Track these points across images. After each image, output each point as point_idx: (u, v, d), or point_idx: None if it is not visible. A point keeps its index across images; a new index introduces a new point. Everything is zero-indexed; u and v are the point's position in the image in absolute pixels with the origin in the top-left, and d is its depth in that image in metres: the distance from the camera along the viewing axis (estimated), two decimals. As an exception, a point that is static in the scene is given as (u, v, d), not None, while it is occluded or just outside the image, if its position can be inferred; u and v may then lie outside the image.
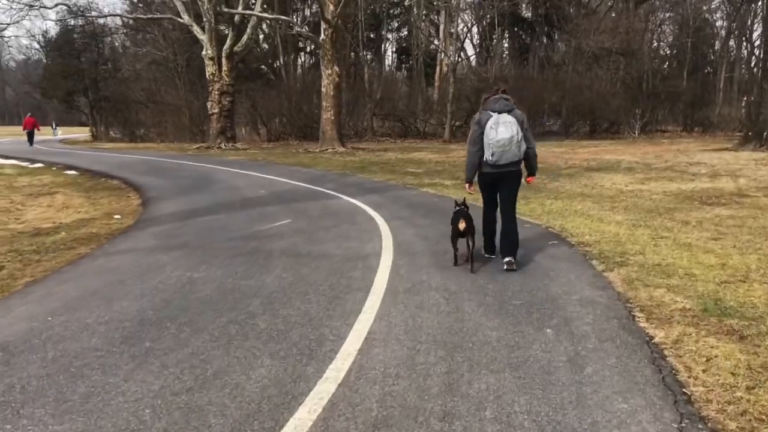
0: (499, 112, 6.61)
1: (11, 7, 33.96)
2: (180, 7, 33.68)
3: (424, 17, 51.44)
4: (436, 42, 50.43)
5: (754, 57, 52.91)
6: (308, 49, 50.59)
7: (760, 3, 46.82)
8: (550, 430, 3.34)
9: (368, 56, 52.24)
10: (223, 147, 32.58)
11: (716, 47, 53.00)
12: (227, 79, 33.49)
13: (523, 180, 7.01)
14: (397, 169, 19.06)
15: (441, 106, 41.88)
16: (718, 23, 53.47)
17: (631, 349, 4.42)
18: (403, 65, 57.57)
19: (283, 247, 7.97)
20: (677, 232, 8.77)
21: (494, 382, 3.89)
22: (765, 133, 23.24)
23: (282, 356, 4.34)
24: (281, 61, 46.62)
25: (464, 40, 49.39)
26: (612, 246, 7.82)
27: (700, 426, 3.38)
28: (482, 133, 6.61)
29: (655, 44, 50.21)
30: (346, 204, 11.94)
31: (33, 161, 24.43)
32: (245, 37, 33.57)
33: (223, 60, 33.15)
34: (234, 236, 8.83)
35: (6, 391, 3.86)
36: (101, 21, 53.54)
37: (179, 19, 34.47)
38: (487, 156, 6.60)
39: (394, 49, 58.86)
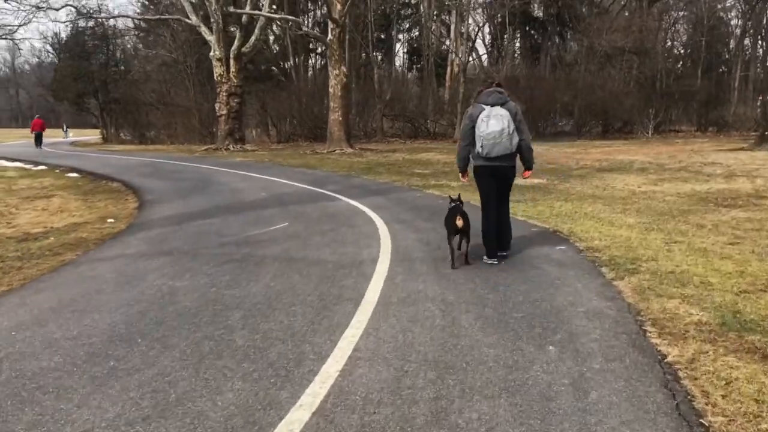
0: (492, 105, 6.61)
1: (18, 8, 33.68)
2: (188, 8, 33.41)
3: (435, 17, 51.04)
4: (447, 42, 49.99)
5: (769, 55, 52.11)
6: (319, 50, 50.20)
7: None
8: (547, 470, 2.92)
9: (379, 57, 51.89)
10: (231, 148, 32.29)
11: (731, 46, 52.25)
12: (235, 81, 33.20)
13: (520, 176, 7.03)
14: (404, 170, 18.65)
15: (451, 107, 41.46)
16: (733, 21, 52.68)
17: (641, 370, 3.99)
18: (414, 66, 57.17)
19: (275, 253, 7.57)
20: (692, 236, 8.31)
21: (487, 411, 3.47)
22: (782, 133, 22.67)
23: (255, 378, 3.94)
24: (291, 62, 46.29)
25: (475, 40, 48.91)
26: (623, 251, 7.37)
27: (719, 465, 2.96)
28: (473, 127, 6.62)
29: (669, 43, 49.60)
30: (346, 207, 11.53)
31: (37, 163, 24.19)
32: (253, 38, 33.26)
33: (231, 61, 32.86)
34: (226, 241, 8.45)
35: (-55, 419, 3.49)
36: (111, 23, 53.61)
37: (187, 20, 34.19)
38: (478, 148, 6.62)
39: (405, 50, 58.55)
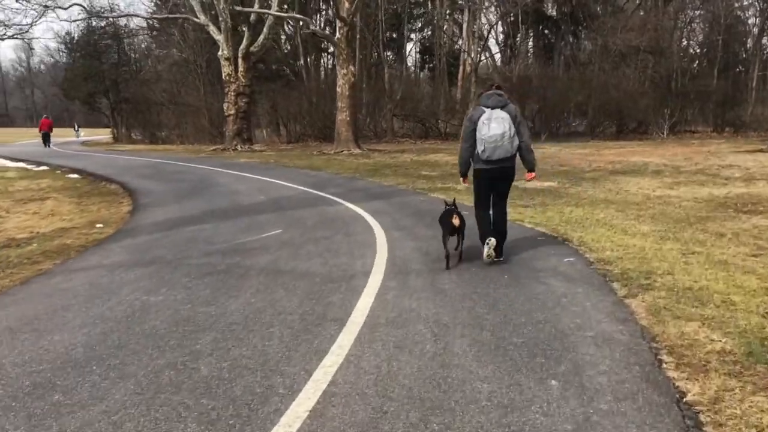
0: (492, 108, 6.62)
1: (26, 8, 33.40)
2: (196, 7, 33.02)
3: (447, 16, 50.47)
4: (459, 42, 49.42)
5: (788, 55, 51.09)
6: (330, 50, 49.71)
7: (794, -1, 45.21)
8: None
9: (390, 56, 51.38)
10: (239, 149, 31.91)
11: (748, 45, 51.22)
12: (243, 80, 32.81)
13: (523, 179, 7.14)
14: (411, 172, 18.12)
15: (463, 107, 40.85)
16: (750, 20, 51.63)
17: (656, 413, 3.46)
18: (427, 65, 56.60)
19: (262, 264, 7.08)
20: (711, 246, 7.75)
21: (474, 466, 2.96)
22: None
23: (212, 419, 3.44)
24: (302, 61, 45.84)
25: (487, 39, 48.30)
26: (636, 264, 6.82)
27: None
28: (474, 129, 6.62)
29: (685, 42, 48.72)
30: (346, 212, 11.03)
31: (40, 164, 23.85)
32: (261, 37, 32.83)
33: (240, 60, 32.48)
34: (214, 250, 7.96)
35: None
36: (122, 22, 53.39)
37: (195, 19, 33.80)
38: (479, 151, 6.61)
39: (417, 49, 58.02)
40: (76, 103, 64.70)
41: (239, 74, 32.58)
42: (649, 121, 39.52)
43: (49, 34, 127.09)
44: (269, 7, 31.78)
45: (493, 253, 6.81)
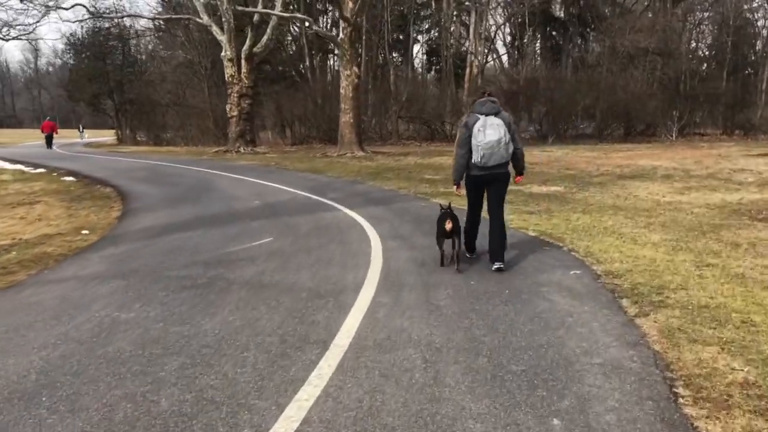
0: (486, 115, 6.63)
1: (28, 8, 33.08)
2: (199, 7, 32.65)
3: (454, 17, 50.00)
4: (466, 44, 48.94)
5: (798, 57, 50.41)
6: (336, 51, 49.28)
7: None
8: None
9: (397, 58, 50.94)
10: (242, 150, 31.52)
11: (758, 47, 50.59)
12: (246, 81, 32.40)
13: (512, 180, 7.06)
14: (413, 176, 17.66)
15: (469, 109, 40.31)
16: (760, 22, 50.99)
17: (674, 462, 3.01)
18: (433, 67, 56.13)
19: (247, 277, 6.64)
20: (726, 257, 7.27)
21: None
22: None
23: (162, 467, 3.00)
24: (308, 63, 45.44)
25: (494, 40, 47.89)
26: (647, 277, 6.36)
27: None
28: (470, 136, 6.64)
29: (694, 44, 48.14)
30: (343, 218, 10.58)
31: (38, 166, 23.48)
32: (265, 37, 32.41)
33: (243, 61, 32.07)
34: (198, 260, 7.52)
35: None
36: (127, 23, 53.08)
37: (198, 20, 33.42)
38: (476, 158, 6.64)
39: (424, 51, 57.53)
40: (81, 105, 64.33)
41: (242, 75, 32.18)
42: (658, 124, 38.98)
43: (56, 36, 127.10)
44: (273, 7, 31.40)
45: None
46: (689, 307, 5.36)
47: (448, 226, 6.68)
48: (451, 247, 6.83)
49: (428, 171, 19.23)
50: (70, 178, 18.74)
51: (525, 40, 49.18)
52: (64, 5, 34.22)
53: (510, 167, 6.90)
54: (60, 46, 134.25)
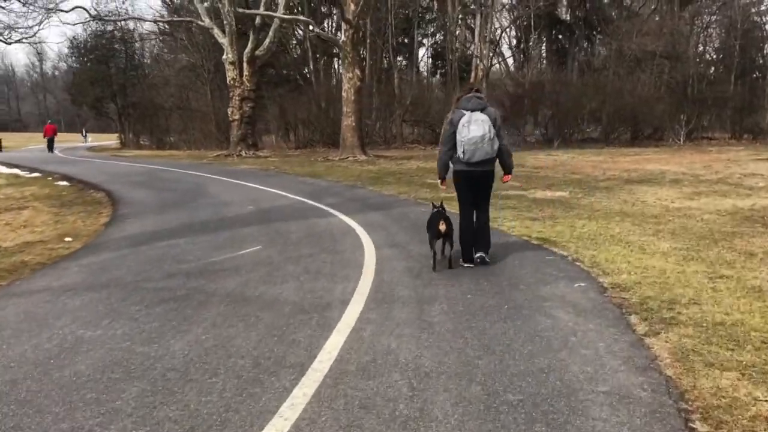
0: (472, 111, 6.62)
1: (28, 11, 32.81)
2: (201, 10, 32.33)
3: (459, 21, 49.62)
4: (471, 47, 48.53)
5: (807, 60, 49.84)
6: (340, 54, 48.89)
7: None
8: None
9: (402, 61, 50.59)
10: (244, 154, 31.18)
11: (765, 50, 50.06)
12: (248, 85, 32.06)
13: (500, 180, 7.13)
14: (415, 180, 17.22)
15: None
16: (768, 26, 50.53)
17: None
18: (438, 70, 55.74)
19: (229, 289, 6.21)
20: (741, 268, 6.82)
21: None
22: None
23: None
24: (311, 66, 45.09)
25: (499, 44, 47.47)
26: (657, 290, 5.91)
27: None
28: (454, 132, 6.62)
29: (701, 47, 47.64)
30: (338, 225, 10.15)
31: (33, 170, 23.11)
32: (267, 40, 32.05)
33: (244, 64, 31.72)
34: (179, 270, 7.10)
35: None
36: (131, 26, 52.83)
37: (200, 22, 33.10)
38: (459, 153, 6.63)
39: (429, 54, 57.18)
40: (84, 109, 64.13)
41: (244, 78, 31.83)
42: (665, 128, 38.52)
43: (61, 39, 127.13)
44: (275, 10, 31.03)
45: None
46: (703, 325, 4.92)
47: (442, 227, 6.60)
48: (443, 248, 6.79)
49: (430, 175, 18.74)
50: (64, 183, 18.38)
51: (530, 44, 48.77)
52: (64, 8, 33.94)
53: (498, 166, 6.93)
54: (64, 49, 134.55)
